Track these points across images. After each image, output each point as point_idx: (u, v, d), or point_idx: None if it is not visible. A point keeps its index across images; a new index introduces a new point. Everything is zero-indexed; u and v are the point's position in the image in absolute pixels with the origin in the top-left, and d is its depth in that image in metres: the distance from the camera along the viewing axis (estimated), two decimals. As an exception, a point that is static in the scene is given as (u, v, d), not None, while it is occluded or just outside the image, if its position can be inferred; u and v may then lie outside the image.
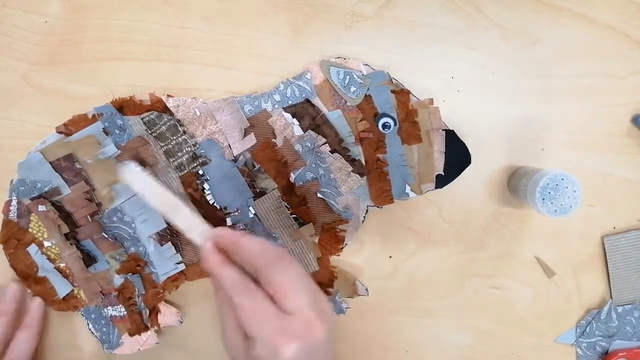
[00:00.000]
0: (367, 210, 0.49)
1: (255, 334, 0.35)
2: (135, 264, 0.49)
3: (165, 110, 0.48)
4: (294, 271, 0.37)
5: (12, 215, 0.48)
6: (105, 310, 0.50)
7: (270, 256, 0.37)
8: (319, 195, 0.49)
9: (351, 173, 0.48)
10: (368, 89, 0.47)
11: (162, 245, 0.49)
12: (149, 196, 0.43)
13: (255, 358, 0.35)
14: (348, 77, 0.47)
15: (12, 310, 0.49)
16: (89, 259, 0.49)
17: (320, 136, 0.48)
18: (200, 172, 0.48)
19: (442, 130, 0.47)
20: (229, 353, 0.38)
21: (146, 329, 0.50)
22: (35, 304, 0.49)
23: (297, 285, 0.36)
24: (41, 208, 0.48)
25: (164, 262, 0.49)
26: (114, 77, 0.50)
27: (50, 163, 0.48)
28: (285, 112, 0.48)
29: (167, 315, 0.50)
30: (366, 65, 0.48)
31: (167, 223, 0.49)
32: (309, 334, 0.35)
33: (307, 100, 0.48)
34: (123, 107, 0.48)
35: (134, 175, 0.44)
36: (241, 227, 0.49)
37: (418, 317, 0.52)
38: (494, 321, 0.52)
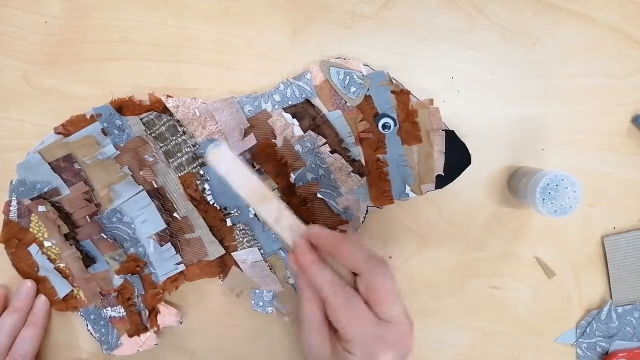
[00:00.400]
0: (367, 211, 0.49)
1: (354, 337, 0.36)
2: (135, 265, 0.49)
3: (165, 110, 0.48)
4: (393, 279, 0.38)
5: (13, 215, 0.48)
6: (105, 311, 0.50)
7: (375, 261, 0.38)
8: (319, 195, 0.49)
9: (351, 173, 0.48)
10: (368, 89, 0.47)
11: (161, 245, 0.49)
12: (236, 180, 0.41)
13: None
14: (348, 77, 0.47)
15: (26, 307, 0.49)
16: (88, 260, 0.49)
17: (320, 136, 0.48)
18: (200, 172, 0.48)
19: (442, 130, 0.47)
20: (308, 353, 0.38)
21: (145, 329, 0.50)
22: (40, 302, 0.50)
23: (396, 294, 0.37)
24: (41, 208, 0.48)
25: (164, 263, 0.49)
26: (114, 77, 0.50)
27: (49, 164, 0.48)
28: (285, 112, 0.48)
29: (166, 316, 0.50)
30: (366, 65, 0.48)
31: (167, 224, 0.49)
32: (403, 343, 0.37)
33: (307, 101, 0.48)
34: (122, 107, 0.48)
35: (222, 155, 0.41)
36: (241, 228, 0.49)
37: (418, 317, 0.51)
38: (494, 321, 0.52)
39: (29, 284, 0.49)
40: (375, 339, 0.36)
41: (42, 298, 0.50)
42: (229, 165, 0.41)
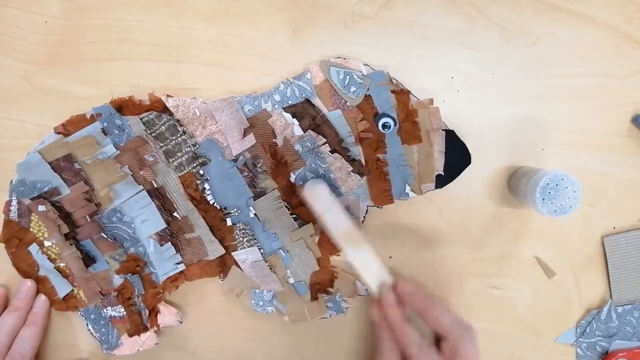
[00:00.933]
0: (367, 211, 0.49)
1: None
2: (135, 265, 0.49)
3: (165, 110, 0.48)
4: (477, 346, 0.40)
5: (13, 215, 0.48)
6: (105, 310, 0.50)
7: (463, 327, 0.41)
8: (319, 195, 0.49)
9: (351, 173, 0.48)
10: (368, 89, 0.47)
11: (161, 245, 0.49)
12: (330, 220, 0.43)
13: None
14: (348, 77, 0.47)
15: (26, 306, 0.49)
16: (88, 259, 0.49)
17: (320, 136, 0.48)
18: (200, 172, 0.48)
19: (442, 130, 0.47)
20: None
21: (145, 329, 0.50)
22: (40, 301, 0.50)
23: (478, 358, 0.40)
24: (41, 208, 0.48)
25: (164, 263, 0.49)
26: (114, 77, 0.50)
27: (49, 163, 0.48)
28: (285, 112, 0.48)
29: (166, 315, 0.50)
30: (366, 65, 0.48)
31: (167, 223, 0.49)
32: None
33: (307, 100, 0.48)
34: (122, 107, 0.48)
35: (320, 193, 0.44)
36: (241, 227, 0.49)
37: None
38: (494, 321, 0.52)
39: (29, 283, 0.49)
40: None
41: (42, 298, 0.50)
42: (326, 205, 0.43)
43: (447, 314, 0.42)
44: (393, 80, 0.48)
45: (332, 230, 0.43)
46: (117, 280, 0.49)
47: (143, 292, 0.49)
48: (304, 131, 0.48)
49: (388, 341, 0.43)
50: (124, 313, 0.50)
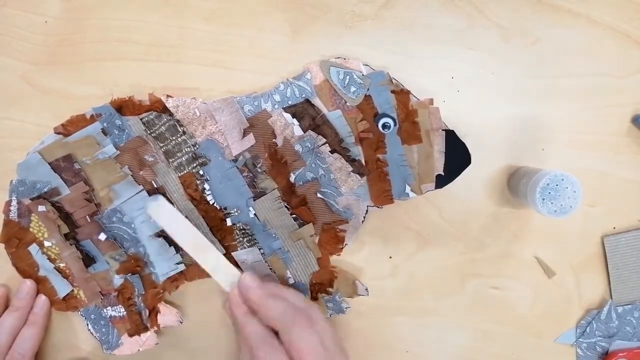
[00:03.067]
0: (367, 210, 0.49)
1: None
2: (135, 265, 0.49)
3: (165, 110, 0.48)
4: (310, 333, 0.40)
5: (13, 215, 0.48)
6: (105, 310, 0.50)
7: (289, 319, 0.40)
8: (318, 195, 0.49)
9: (351, 173, 0.48)
10: (368, 89, 0.47)
11: (162, 245, 0.49)
12: (176, 232, 0.44)
13: None
14: (348, 77, 0.47)
15: (26, 306, 0.49)
16: (88, 259, 0.49)
17: (320, 136, 0.48)
18: (200, 172, 0.48)
19: (442, 130, 0.47)
20: None
21: (146, 329, 0.50)
22: (40, 301, 0.50)
23: (315, 348, 0.39)
24: (41, 208, 0.48)
25: (164, 263, 0.49)
26: (114, 77, 0.50)
27: (49, 164, 0.48)
28: (285, 112, 0.48)
29: (166, 315, 0.50)
30: (366, 65, 0.48)
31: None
32: None
33: (307, 101, 0.48)
34: (122, 107, 0.48)
35: (161, 209, 0.45)
36: (241, 228, 0.49)
37: (418, 317, 0.52)
38: (494, 321, 0.52)
39: (29, 283, 0.49)
40: None
41: (42, 298, 0.50)
42: (169, 218, 0.45)
43: (277, 306, 0.41)
44: (393, 80, 0.48)
45: (179, 241, 0.45)
46: (117, 280, 0.49)
47: (143, 292, 0.49)
48: (304, 131, 0.48)
49: (240, 336, 0.42)
50: (124, 313, 0.50)
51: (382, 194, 0.48)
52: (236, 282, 0.45)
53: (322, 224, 0.49)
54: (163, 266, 0.49)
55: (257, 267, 0.49)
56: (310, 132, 0.48)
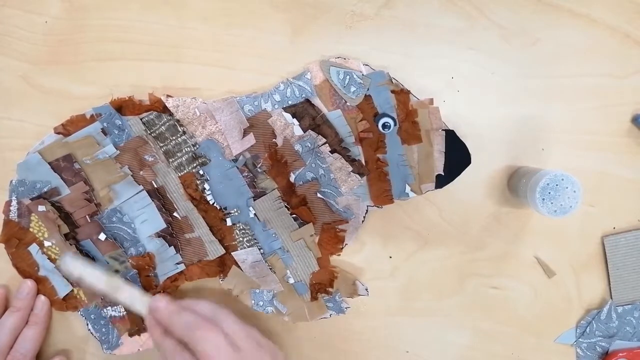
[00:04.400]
0: (367, 210, 0.49)
1: None
2: (147, 262, 0.49)
3: (165, 110, 0.48)
4: (215, 335, 0.41)
5: (13, 215, 0.48)
6: (105, 310, 0.50)
7: (193, 327, 0.41)
8: (318, 195, 0.49)
9: (351, 173, 0.48)
10: (368, 89, 0.47)
11: (162, 245, 0.49)
12: (91, 280, 0.46)
13: None
14: (348, 77, 0.47)
15: (27, 306, 0.49)
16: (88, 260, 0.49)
17: (320, 136, 0.48)
18: (200, 172, 0.48)
19: (442, 130, 0.47)
20: None
21: (146, 329, 0.50)
22: (41, 302, 0.50)
23: (221, 349, 0.40)
24: (41, 208, 0.48)
25: (164, 263, 0.49)
26: (114, 77, 0.50)
27: (49, 163, 0.48)
28: (285, 112, 0.48)
29: (166, 315, 0.50)
30: (366, 65, 0.48)
31: (168, 224, 0.49)
32: None
33: (307, 100, 0.48)
34: (122, 107, 0.48)
35: (73, 264, 0.47)
36: (241, 227, 0.49)
37: (418, 317, 0.52)
38: (494, 321, 0.52)
39: (29, 283, 0.49)
40: None
41: (42, 298, 0.50)
42: (80, 271, 0.47)
43: (182, 318, 0.42)
44: (393, 80, 0.48)
45: (94, 287, 0.47)
46: (117, 280, 0.50)
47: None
48: (304, 131, 0.48)
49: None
50: (124, 313, 0.50)
51: (382, 194, 0.48)
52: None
53: (322, 224, 0.49)
54: (163, 266, 0.49)
55: (257, 267, 0.49)
56: (310, 132, 0.48)
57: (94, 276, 0.47)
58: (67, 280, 0.49)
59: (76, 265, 0.47)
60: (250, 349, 0.41)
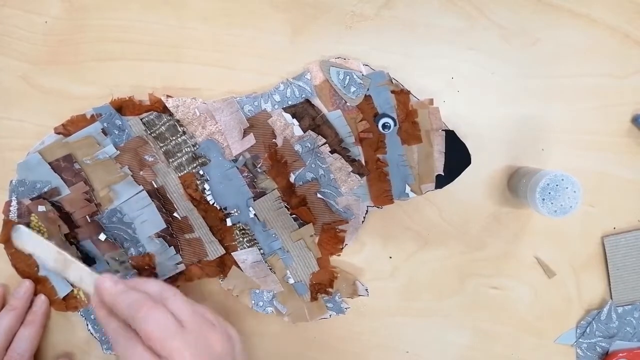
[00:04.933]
0: (367, 211, 0.49)
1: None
2: (147, 262, 0.49)
3: (165, 110, 0.48)
4: (159, 313, 0.39)
5: (13, 215, 0.48)
6: (105, 310, 0.50)
7: (136, 307, 0.39)
8: (318, 195, 0.49)
9: (351, 173, 0.48)
10: (368, 89, 0.47)
11: (162, 245, 0.49)
12: (42, 256, 0.46)
13: None
14: (348, 77, 0.47)
15: (23, 306, 0.49)
16: (88, 260, 0.49)
17: (320, 136, 0.48)
18: (200, 172, 0.48)
19: (442, 130, 0.47)
20: None
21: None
22: (39, 301, 0.50)
23: (164, 327, 0.38)
24: (41, 208, 0.48)
25: (164, 263, 0.49)
26: (114, 77, 0.50)
27: (49, 164, 0.48)
28: (285, 112, 0.48)
29: (166, 315, 0.50)
30: (366, 65, 0.48)
31: (168, 224, 0.49)
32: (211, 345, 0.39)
33: (307, 101, 0.48)
34: (122, 107, 0.48)
35: (25, 237, 0.46)
36: (241, 228, 0.49)
37: (418, 317, 0.52)
38: (494, 321, 0.52)
39: (27, 283, 0.49)
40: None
41: (41, 297, 0.50)
42: (32, 245, 0.46)
43: (126, 298, 0.40)
44: (393, 81, 0.48)
45: (43, 264, 0.46)
46: (117, 280, 0.49)
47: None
48: (304, 131, 0.48)
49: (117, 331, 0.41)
50: (124, 313, 0.50)
51: (382, 194, 0.48)
52: None
53: (322, 224, 0.49)
54: (163, 266, 0.49)
55: (257, 268, 0.49)
56: (310, 132, 0.48)
57: (46, 252, 0.46)
58: (67, 280, 0.49)
59: (28, 240, 0.46)
60: (197, 326, 0.39)
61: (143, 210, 0.48)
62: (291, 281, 0.50)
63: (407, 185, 0.48)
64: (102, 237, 0.49)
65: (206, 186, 0.48)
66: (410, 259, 0.51)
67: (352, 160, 0.48)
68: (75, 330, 0.52)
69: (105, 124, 0.48)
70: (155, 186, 0.49)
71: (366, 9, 0.50)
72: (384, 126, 0.47)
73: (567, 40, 0.50)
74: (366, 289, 0.50)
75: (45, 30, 0.50)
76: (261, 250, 0.49)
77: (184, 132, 0.48)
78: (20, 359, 0.48)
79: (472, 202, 0.51)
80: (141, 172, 0.48)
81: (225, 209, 0.49)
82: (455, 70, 0.50)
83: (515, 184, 0.49)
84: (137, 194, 0.48)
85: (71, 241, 0.49)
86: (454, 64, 0.50)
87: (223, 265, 0.50)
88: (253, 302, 0.50)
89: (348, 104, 0.48)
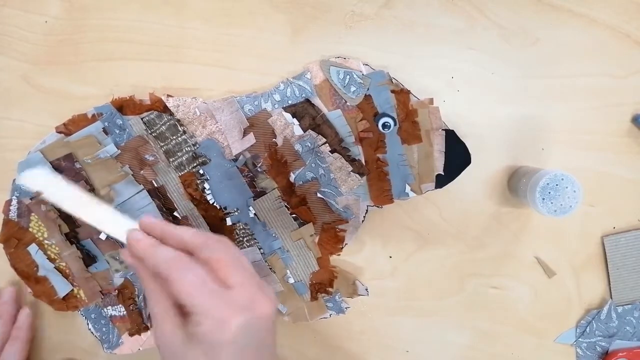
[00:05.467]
0: (367, 210, 0.49)
1: (199, 307, 0.34)
2: None
3: (165, 110, 0.48)
4: (232, 250, 0.37)
5: (12, 214, 0.48)
6: (105, 310, 0.50)
7: (206, 236, 0.37)
8: (318, 195, 0.49)
9: (351, 173, 0.48)
10: (368, 89, 0.47)
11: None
12: (52, 197, 0.40)
13: (199, 336, 0.33)
14: (348, 76, 0.47)
15: (8, 312, 0.49)
16: (88, 259, 0.49)
17: (320, 136, 0.48)
18: (201, 172, 0.48)
19: (442, 130, 0.47)
20: (165, 350, 0.35)
21: (146, 329, 0.50)
22: (23, 315, 0.49)
23: (236, 261, 0.36)
24: (41, 207, 0.48)
25: (164, 262, 0.49)
26: (114, 77, 0.50)
27: (50, 163, 0.48)
28: (285, 112, 0.48)
29: (167, 315, 0.50)
30: (366, 65, 0.48)
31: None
32: (254, 307, 0.34)
33: (307, 100, 0.48)
34: (123, 106, 0.48)
35: (35, 175, 0.41)
36: (241, 227, 0.49)
37: (418, 317, 0.52)
38: (494, 321, 0.52)
39: (11, 288, 0.49)
40: (221, 305, 0.34)
41: (25, 311, 0.49)
42: (44, 182, 0.40)
43: (187, 230, 0.37)
44: (393, 80, 0.48)
45: (58, 203, 0.39)
46: (118, 279, 0.50)
47: (143, 292, 0.50)
48: (304, 131, 0.48)
49: (148, 280, 0.37)
50: (125, 312, 0.50)
51: (382, 194, 0.48)
52: (131, 229, 0.39)
53: (322, 224, 0.49)
54: (163, 266, 0.49)
55: (257, 267, 0.49)
56: (310, 131, 0.48)
57: (60, 189, 0.39)
58: (64, 278, 0.49)
59: (39, 176, 0.40)
60: (244, 286, 0.35)
61: (143, 209, 0.48)
62: (291, 281, 0.50)
63: (407, 184, 0.48)
64: (103, 236, 0.49)
65: (206, 185, 0.49)
66: (410, 258, 0.51)
67: (352, 160, 0.48)
68: (75, 329, 0.52)
69: (106, 124, 0.48)
70: (156, 185, 0.49)
71: (366, 9, 0.50)
72: (384, 126, 0.47)
73: (567, 40, 0.50)
74: (366, 289, 0.51)
75: (45, 30, 0.50)
76: (261, 250, 0.49)
77: (184, 132, 0.48)
78: None
79: (472, 202, 0.51)
80: (142, 172, 0.48)
81: (225, 208, 0.49)
82: (455, 70, 0.50)
83: (515, 184, 0.49)
84: (137, 193, 0.48)
85: (71, 240, 0.49)
86: (454, 64, 0.50)
87: (223, 265, 0.50)
88: (253, 301, 0.50)
89: (348, 103, 0.48)
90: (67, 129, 0.48)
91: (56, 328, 0.52)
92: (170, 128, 0.48)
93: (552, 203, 0.44)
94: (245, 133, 0.48)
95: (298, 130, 0.48)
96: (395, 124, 0.47)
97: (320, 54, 0.49)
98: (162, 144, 0.48)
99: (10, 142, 0.51)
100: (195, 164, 0.48)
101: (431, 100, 0.48)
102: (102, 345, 0.51)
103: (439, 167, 0.48)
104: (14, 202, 0.48)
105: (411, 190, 0.48)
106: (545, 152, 0.50)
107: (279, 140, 0.48)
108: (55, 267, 0.49)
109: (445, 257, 0.51)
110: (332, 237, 0.49)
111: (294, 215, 0.49)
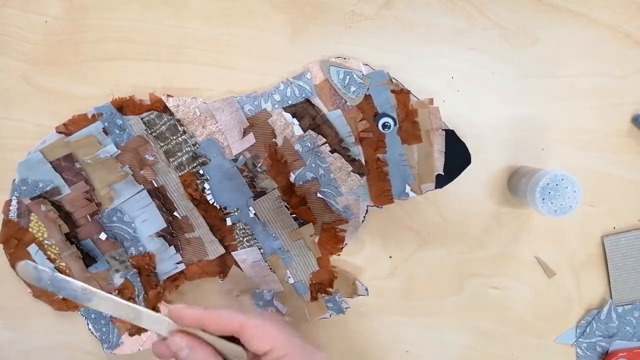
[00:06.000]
0: (367, 210, 0.49)
1: None
2: (147, 261, 0.49)
3: (165, 110, 0.48)
4: (275, 325, 0.37)
5: (12, 215, 0.48)
6: (105, 310, 0.50)
7: (239, 316, 0.37)
8: (318, 195, 0.49)
9: (351, 173, 0.48)
10: (368, 89, 0.47)
11: (162, 245, 0.49)
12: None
13: None
14: (348, 77, 0.47)
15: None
16: (88, 259, 0.49)
17: (320, 136, 0.48)
18: (201, 172, 0.48)
19: (442, 130, 0.47)
20: None
21: (146, 329, 0.50)
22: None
23: (272, 331, 0.37)
24: (41, 208, 0.48)
25: (164, 262, 0.49)
26: (114, 77, 0.50)
27: (50, 163, 0.48)
28: (285, 112, 0.48)
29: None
30: (366, 65, 0.48)
31: (168, 223, 0.49)
32: None
33: (307, 100, 0.48)
34: (123, 106, 0.48)
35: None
36: (241, 227, 0.49)
37: (418, 317, 0.52)
38: (494, 321, 0.52)
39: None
40: None
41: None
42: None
43: (222, 313, 0.38)
44: (393, 80, 0.48)
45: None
46: (118, 280, 0.50)
47: (144, 292, 0.50)
48: (304, 131, 0.48)
49: None
50: (124, 313, 0.50)
51: (382, 194, 0.48)
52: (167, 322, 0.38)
53: (322, 224, 0.49)
54: (163, 266, 0.49)
55: (257, 267, 0.50)
56: (310, 131, 0.48)
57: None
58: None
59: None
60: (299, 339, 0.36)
61: (143, 209, 0.48)
62: (291, 281, 0.50)
63: (407, 184, 0.48)
64: (103, 236, 0.49)
65: (206, 185, 0.49)
66: (410, 258, 0.51)
67: (352, 160, 0.48)
68: (75, 329, 0.52)
69: (106, 124, 0.48)
70: (156, 185, 0.49)
71: (366, 9, 0.50)
72: (384, 126, 0.47)
73: (567, 40, 0.50)
74: (366, 289, 0.51)
75: (45, 30, 0.50)
76: (261, 250, 0.49)
77: (184, 132, 0.48)
78: None
79: (472, 202, 0.51)
80: (142, 172, 0.48)
81: (225, 208, 0.49)
82: (455, 70, 0.50)
83: (515, 184, 0.49)
84: (137, 193, 0.48)
85: (71, 240, 0.49)
86: (454, 64, 0.50)
87: (223, 265, 0.50)
88: (253, 301, 0.50)
89: (348, 103, 0.48)
90: (67, 129, 0.48)
91: (56, 328, 0.52)
92: (170, 128, 0.48)
93: (552, 203, 0.44)
94: (245, 133, 0.48)
95: (298, 130, 0.48)
96: (395, 124, 0.47)
97: (320, 54, 0.49)
98: (162, 144, 0.48)
99: (10, 142, 0.50)
100: (195, 164, 0.48)
101: (431, 100, 0.48)
102: (102, 345, 0.51)
103: (439, 167, 0.48)
104: (14, 202, 0.48)
105: (411, 190, 0.48)
106: (545, 152, 0.50)
107: (279, 140, 0.48)
108: (55, 267, 0.49)
109: (445, 257, 0.51)
110: (332, 237, 0.49)
111: (294, 215, 0.49)
